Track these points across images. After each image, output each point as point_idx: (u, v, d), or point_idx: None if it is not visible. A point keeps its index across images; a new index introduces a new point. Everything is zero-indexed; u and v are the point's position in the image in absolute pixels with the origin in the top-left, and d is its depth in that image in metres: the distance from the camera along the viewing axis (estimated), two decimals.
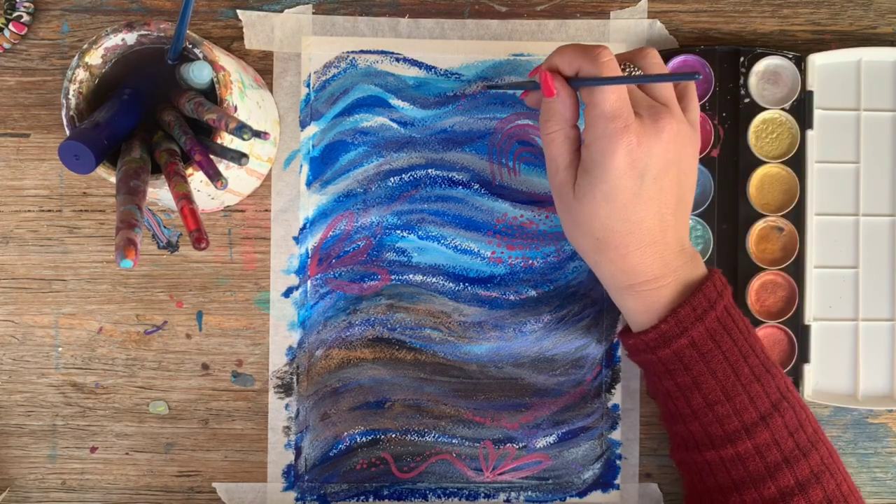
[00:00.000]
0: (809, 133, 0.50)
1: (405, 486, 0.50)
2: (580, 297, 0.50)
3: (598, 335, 0.50)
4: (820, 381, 0.50)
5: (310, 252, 0.49)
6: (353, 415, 0.49)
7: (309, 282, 0.49)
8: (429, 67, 0.50)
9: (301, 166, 0.49)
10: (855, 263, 0.50)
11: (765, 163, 0.49)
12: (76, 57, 0.40)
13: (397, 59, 0.50)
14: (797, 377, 0.50)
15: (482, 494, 0.50)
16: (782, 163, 0.49)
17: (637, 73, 0.42)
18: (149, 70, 0.42)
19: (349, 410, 0.49)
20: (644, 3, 0.50)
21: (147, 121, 0.42)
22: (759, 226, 0.50)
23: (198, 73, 0.39)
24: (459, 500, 0.50)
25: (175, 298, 0.49)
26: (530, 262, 0.50)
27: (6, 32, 0.48)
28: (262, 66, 0.49)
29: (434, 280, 0.50)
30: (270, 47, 0.49)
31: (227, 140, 0.40)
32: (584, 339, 0.50)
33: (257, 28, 0.49)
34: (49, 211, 0.49)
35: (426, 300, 0.50)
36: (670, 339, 0.42)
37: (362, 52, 0.50)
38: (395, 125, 0.50)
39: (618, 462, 0.50)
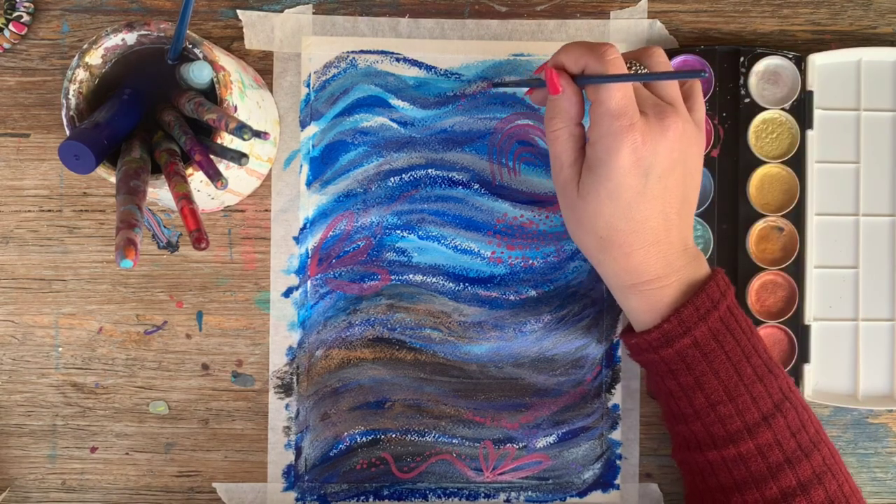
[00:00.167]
0: (809, 133, 0.50)
1: (405, 486, 0.50)
2: (580, 297, 0.50)
3: (599, 335, 0.50)
4: (820, 381, 0.50)
5: (310, 252, 0.49)
6: (353, 415, 0.49)
7: (309, 282, 0.49)
8: (429, 67, 0.50)
9: (301, 166, 0.49)
10: (855, 263, 0.50)
11: (765, 163, 0.49)
12: (76, 57, 0.40)
13: (397, 59, 0.50)
14: (797, 377, 0.50)
15: (482, 494, 0.50)
16: (782, 163, 0.49)
17: (643, 71, 0.41)
18: (149, 70, 0.42)
19: (349, 410, 0.49)
20: (644, 3, 0.50)
21: (147, 121, 0.42)
22: (759, 226, 0.49)
23: (198, 73, 0.39)
24: (459, 500, 0.50)
25: (175, 298, 0.49)
26: (530, 262, 0.50)
27: (6, 32, 0.48)
28: (262, 66, 0.49)
29: (434, 280, 0.50)
30: (270, 47, 0.49)
31: (227, 140, 0.40)
32: (584, 339, 0.50)
33: (257, 28, 0.49)
34: (49, 211, 0.49)
35: (426, 300, 0.50)
36: (673, 339, 0.42)
37: (362, 52, 0.49)
38: (395, 125, 0.50)
39: (618, 462, 0.50)
